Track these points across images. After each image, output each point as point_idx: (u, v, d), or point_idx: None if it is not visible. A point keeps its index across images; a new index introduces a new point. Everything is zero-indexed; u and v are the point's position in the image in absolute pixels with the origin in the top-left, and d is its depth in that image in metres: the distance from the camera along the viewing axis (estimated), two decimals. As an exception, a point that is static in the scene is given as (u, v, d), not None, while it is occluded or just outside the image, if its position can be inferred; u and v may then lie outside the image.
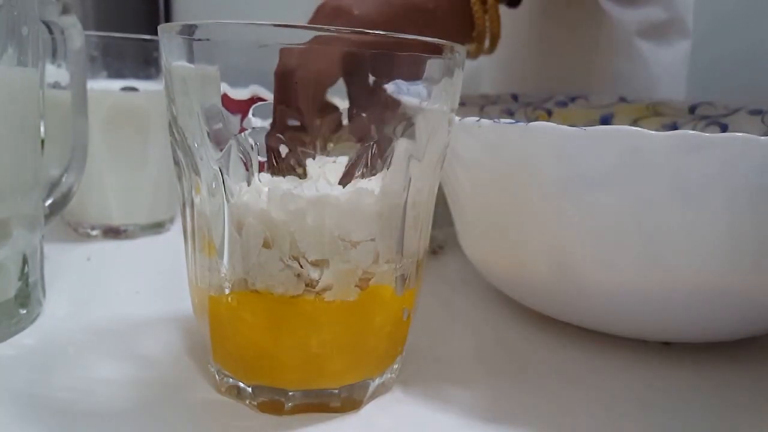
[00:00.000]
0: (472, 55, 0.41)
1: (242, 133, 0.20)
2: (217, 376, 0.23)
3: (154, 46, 0.41)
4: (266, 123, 0.21)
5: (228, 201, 0.20)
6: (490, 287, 0.36)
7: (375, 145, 0.21)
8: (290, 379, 0.22)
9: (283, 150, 0.21)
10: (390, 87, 0.20)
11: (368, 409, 0.23)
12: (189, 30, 0.20)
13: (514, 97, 0.44)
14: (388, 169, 0.21)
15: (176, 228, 0.45)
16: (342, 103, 0.21)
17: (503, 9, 0.56)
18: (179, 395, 0.23)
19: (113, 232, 0.42)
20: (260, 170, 0.21)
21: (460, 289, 0.36)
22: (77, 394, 0.23)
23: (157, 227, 0.44)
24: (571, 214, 0.26)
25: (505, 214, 0.29)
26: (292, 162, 0.21)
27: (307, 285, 0.20)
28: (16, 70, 0.26)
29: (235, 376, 0.22)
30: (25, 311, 0.28)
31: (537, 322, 0.31)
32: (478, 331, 0.30)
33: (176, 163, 0.23)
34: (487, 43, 0.39)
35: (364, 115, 0.21)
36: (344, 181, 0.21)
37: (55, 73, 0.35)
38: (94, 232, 0.42)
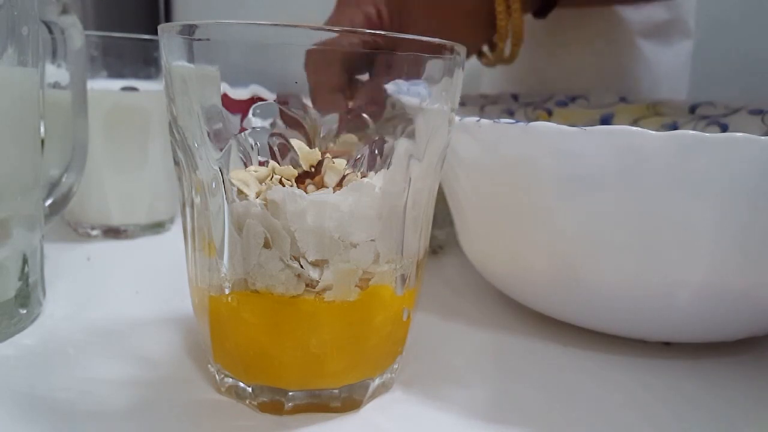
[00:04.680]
0: (492, 61, 0.41)
1: (242, 133, 0.20)
2: (217, 376, 0.23)
3: (154, 46, 0.41)
4: (266, 123, 0.21)
5: (228, 201, 0.20)
6: (490, 287, 0.36)
7: (375, 145, 0.21)
8: (290, 379, 0.22)
9: (283, 150, 0.21)
10: (390, 87, 0.20)
11: (368, 409, 0.23)
12: (189, 30, 0.20)
13: (514, 97, 0.44)
14: (388, 169, 0.21)
15: (176, 228, 0.45)
16: (342, 103, 0.21)
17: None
18: (179, 395, 0.23)
19: (113, 232, 0.42)
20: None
21: (460, 289, 0.36)
22: (77, 394, 0.23)
23: (157, 227, 0.44)
24: (571, 214, 0.26)
25: (505, 214, 0.29)
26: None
27: (307, 285, 0.20)
28: (16, 70, 0.26)
29: (235, 376, 0.22)
30: (25, 311, 0.28)
31: (537, 322, 0.31)
32: (478, 331, 0.30)
33: (176, 163, 0.23)
34: (507, 51, 0.39)
35: (365, 116, 0.21)
36: (344, 181, 0.21)
37: (55, 73, 0.35)
38: (94, 232, 0.42)
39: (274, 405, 0.22)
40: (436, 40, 0.21)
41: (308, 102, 0.21)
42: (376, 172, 0.21)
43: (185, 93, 0.21)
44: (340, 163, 0.21)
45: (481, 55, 0.42)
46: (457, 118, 0.26)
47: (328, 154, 0.21)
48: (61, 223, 0.44)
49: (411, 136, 0.21)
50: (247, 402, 0.22)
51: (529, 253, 0.28)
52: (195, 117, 0.21)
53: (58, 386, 0.23)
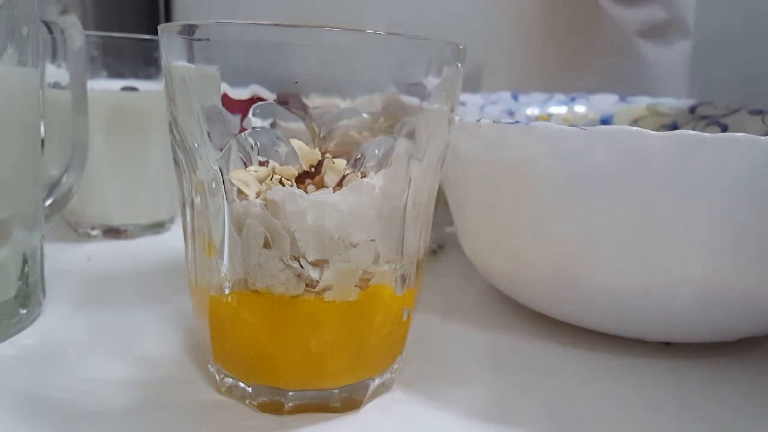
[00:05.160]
0: None
1: (242, 133, 0.20)
2: (217, 376, 0.23)
3: (154, 46, 0.41)
4: (266, 123, 0.21)
5: (228, 201, 0.20)
6: (490, 287, 0.36)
7: (375, 145, 0.21)
8: (290, 379, 0.22)
9: (283, 149, 0.21)
10: (390, 87, 0.20)
11: (368, 409, 0.23)
12: (189, 30, 0.20)
13: (514, 97, 0.44)
14: (388, 169, 0.21)
15: (176, 228, 0.45)
16: (343, 103, 0.21)
17: (505, 8, 0.56)
18: (179, 395, 0.23)
19: (113, 232, 0.42)
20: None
21: (460, 289, 0.36)
22: (77, 394, 0.23)
23: (157, 227, 0.44)
24: (571, 214, 0.26)
25: (505, 214, 0.29)
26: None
27: (307, 285, 0.20)
28: (16, 70, 0.26)
29: (235, 376, 0.22)
30: (25, 311, 0.28)
31: (537, 322, 0.31)
32: (478, 331, 0.30)
33: (176, 163, 0.23)
34: None
35: (363, 115, 0.21)
36: (344, 181, 0.21)
37: (55, 73, 0.35)
38: (94, 232, 0.42)
39: (274, 405, 0.22)
40: (437, 39, 0.21)
41: (308, 102, 0.21)
42: (376, 172, 0.21)
43: (185, 93, 0.21)
44: (340, 163, 0.21)
45: None
46: (457, 118, 0.26)
47: (328, 154, 0.21)
48: (61, 223, 0.44)
49: (411, 136, 0.21)
50: (247, 402, 0.22)
51: (529, 253, 0.28)
52: (195, 117, 0.21)
53: (58, 386, 0.23)
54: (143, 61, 0.42)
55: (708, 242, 0.24)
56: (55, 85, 0.37)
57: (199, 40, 0.20)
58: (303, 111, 0.21)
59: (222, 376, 0.23)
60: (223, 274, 0.21)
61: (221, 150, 0.20)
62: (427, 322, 0.31)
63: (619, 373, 0.27)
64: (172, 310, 0.30)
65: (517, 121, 0.26)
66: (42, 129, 0.30)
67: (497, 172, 0.28)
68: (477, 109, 0.42)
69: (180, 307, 0.30)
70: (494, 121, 0.26)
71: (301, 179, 0.21)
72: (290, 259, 0.20)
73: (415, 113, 0.21)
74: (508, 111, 0.43)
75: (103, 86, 0.40)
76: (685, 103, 0.41)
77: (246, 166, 0.21)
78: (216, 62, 0.20)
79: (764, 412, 0.24)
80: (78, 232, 0.43)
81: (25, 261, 0.28)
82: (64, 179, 0.34)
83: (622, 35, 0.54)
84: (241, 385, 0.22)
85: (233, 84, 0.20)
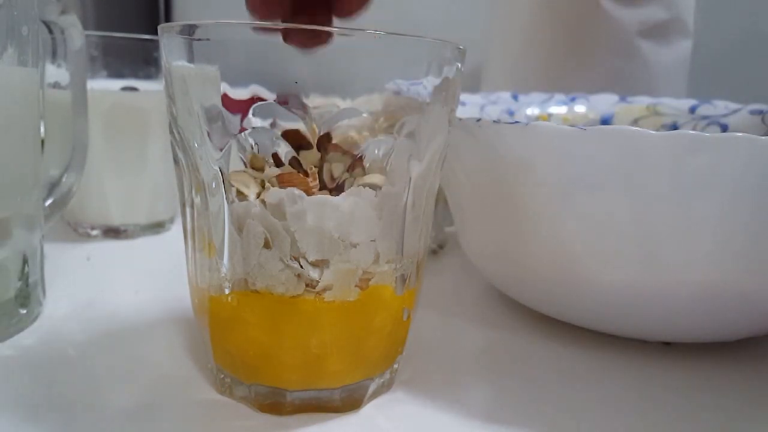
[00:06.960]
0: None
1: (242, 133, 0.20)
2: (217, 376, 0.23)
3: (154, 46, 0.41)
4: (266, 123, 0.21)
5: (228, 201, 0.20)
6: (490, 287, 0.36)
7: (375, 145, 0.21)
8: (290, 379, 0.22)
9: (283, 149, 0.21)
10: (390, 86, 0.20)
11: (368, 409, 0.23)
12: (189, 30, 0.20)
13: (514, 97, 0.44)
14: (388, 169, 0.21)
15: (176, 228, 0.45)
16: (343, 103, 0.21)
17: (505, 8, 0.55)
18: (179, 395, 0.23)
19: (113, 232, 0.42)
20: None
21: (460, 289, 0.36)
22: (77, 394, 0.23)
23: (157, 227, 0.44)
24: (571, 214, 0.26)
25: (505, 214, 0.29)
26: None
27: (307, 285, 0.20)
28: (16, 70, 0.26)
29: (235, 376, 0.22)
30: (25, 311, 0.28)
31: (537, 322, 0.31)
32: (478, 331, 0.30)
33: (176, 163, 0.23)
34: None
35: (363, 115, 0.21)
36: (344, 181, 0.21)
37: (55, 73, 0.35)
38: (94, 232, 0.42)
39: (274, 405, 0.22)
40: (437, 39, 0.21)
41: (308, 102, 0.21)
42: (376, 173, 0.21)
43: (185, 93, 0.21)
44: (339, 165, 0.21)
45: None
46: (457, 118, 0.26)
47: (333, 140, 0.21)
48: (61, 223, 0.44)
49: (411, 136, 0.21)
50: (247, 402, 0.22)
51: (529, 253, 0.28)
52: (195, 117, 0.21)
53: (58, 386, 0.23)
54: (143, 61, 0.42)
55: (708, 242, 0.24)
56: (55, 85, 0.37)
57: (199, 40, 0.20)
58: (303, 111, 0.21)
59: (222, 376, 0.23)
60: (223, 274, 0.21)
61: (221, 150, 0.20)
62: (427, 322, 0.31)
63: (619, 373, 0.27)
64: (172, 310, 0.30)
65: (517, 121, 0.26)
66: (42, 129, 0.30)
67: (497, 172, 0.28)
68: (477, 109, 0.42)
69: (180, 307, 0.30)
70: (494, 121, 0.26)
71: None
72: (290, 259, 0.20)
73: (415, 113, 0.21)
74: (508, 111, 0.43)
75: (103, 86, 0.40)
76: (685, 103, 0.41)
77: (246, 166, 0.21)
78: (216, 62, 0.20)
79: (764, 412, 0.24)
80: (78, 232, 0.43)
81: (25, 261, 0.28)
82: (64, 179, 0.34)
83: (623, 35, 0.55)
84: (241, 385, 0.22)
85: (233, 84, 0.20)
